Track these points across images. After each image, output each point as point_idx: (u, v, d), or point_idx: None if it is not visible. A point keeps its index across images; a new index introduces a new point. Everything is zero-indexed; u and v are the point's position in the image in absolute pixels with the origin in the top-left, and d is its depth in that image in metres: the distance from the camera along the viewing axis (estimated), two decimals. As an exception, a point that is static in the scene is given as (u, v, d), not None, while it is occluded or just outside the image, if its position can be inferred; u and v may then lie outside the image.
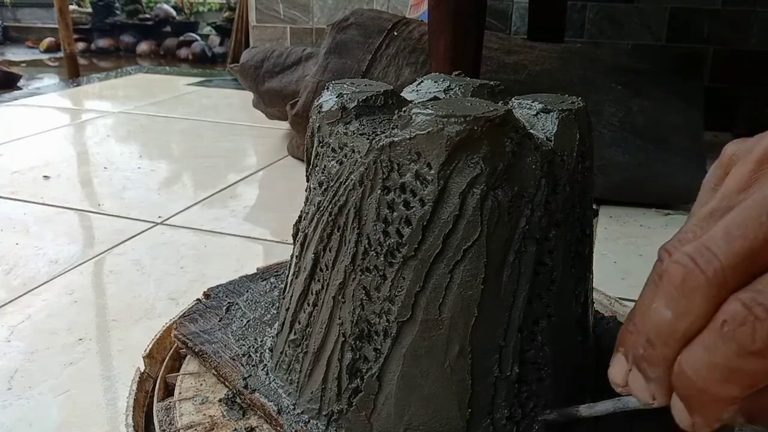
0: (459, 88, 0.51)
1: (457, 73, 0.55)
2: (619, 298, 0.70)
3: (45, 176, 1.38)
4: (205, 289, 0.63)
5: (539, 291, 0.42)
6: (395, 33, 1.41)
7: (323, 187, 0.45)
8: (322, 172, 0.46)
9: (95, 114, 2.03)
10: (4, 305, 0.86)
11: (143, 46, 5.08)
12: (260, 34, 2.40)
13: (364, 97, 0.47)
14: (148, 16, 5.35)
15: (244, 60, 1.63)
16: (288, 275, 0.52)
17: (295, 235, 0.51)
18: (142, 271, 0.96)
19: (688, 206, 1.24)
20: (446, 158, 0.39)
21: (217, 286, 0.64)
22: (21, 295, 0.89)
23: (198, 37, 5.07)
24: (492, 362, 0.41)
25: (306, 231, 0.48)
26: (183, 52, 4.87)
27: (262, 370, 0.51)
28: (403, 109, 0.41)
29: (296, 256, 0.50)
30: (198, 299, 0.62)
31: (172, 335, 0.58)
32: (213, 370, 0.52)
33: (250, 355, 0.52)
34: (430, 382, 0.41)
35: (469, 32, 1.06)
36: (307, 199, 0.50)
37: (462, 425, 0.42)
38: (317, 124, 0.48)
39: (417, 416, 0.42)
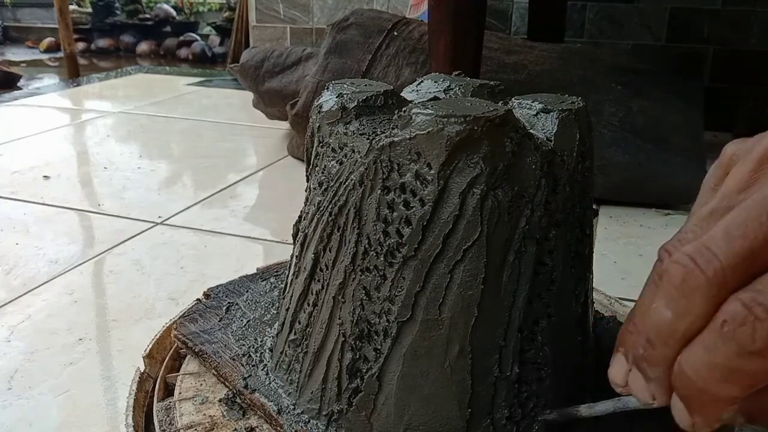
0: (459, 88, 0.51)
1: (457, 73, 0.55)
2: (619, 298, 0.70)
3: (45, 176, 1.38)
4: (205, 289, 0.63)
5: (539, 291, 0.42)
6: (395, 33, 1.41)
7: (323, 187, 0.45)
8: (322, 172, 0.46)
9: (95, 114, 2.03)
10: (4, 305, 0.86)
11: (143, 46, 5.08)
12: (260, 34, 2.40)
13: (364, 97, 0.47)
14: (148, 16, 5.35)
15: (244, 60, 1.63)
16: (288, 275, 0.52)
17: (295, 235, 0.51)
18: (142, 271, 0.96)
19: (688, 206, 1.24)
20: (446, 158, 0.39)
21: (217, 286, 0.64)
22: (21, 295, 0.89)
23: (198, 37, 5.07)
24: (492, 362, 0.41)
25: (306, 231, 0.48)
26: (183, 52, 4.87)
27: (262, 370, 0.51)
28: (403, 109, 0.41)
29: (296, 256, 0.50)
30: (198, 299, 0.62)
31: (172, 335, 0.58)
32: (213, 370, 0.52)
33: (250, 355, 0.52)
34: (430, 382, 0.41)
35: (469, 32, 1.06)
36: (307, 199, 0.50)
37: (462, 425, 0.42)
38: (317, 124, 0.48)
39: (417, 416, 0.42)
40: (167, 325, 0.61)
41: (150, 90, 2.43)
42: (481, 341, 0.41)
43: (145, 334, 0.72)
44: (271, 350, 0.53)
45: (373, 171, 0.41)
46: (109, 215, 1.18)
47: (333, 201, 0.44)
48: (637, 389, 0.31)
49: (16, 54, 4.95)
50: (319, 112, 0.48)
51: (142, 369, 0.57)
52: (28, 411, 0.66)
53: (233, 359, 0.52)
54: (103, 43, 5.16)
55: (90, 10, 5.41)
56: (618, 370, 0.32)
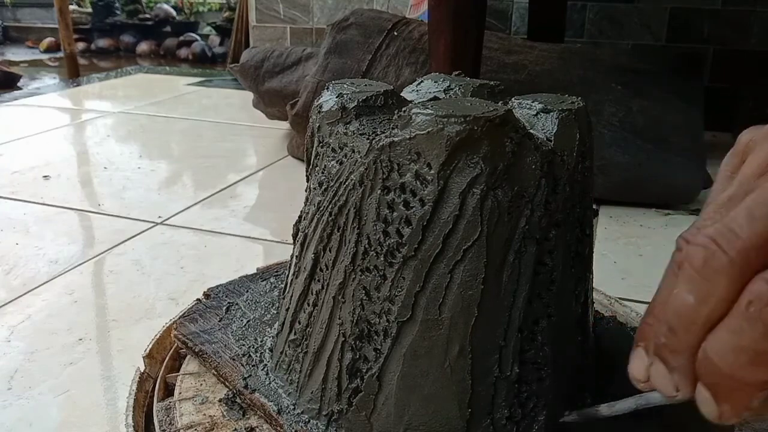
0: (459, 88, 0.51)
1: (457, 73, 0.55)
2: (619, 298, 0.70)
3: (45, 176, 1.38)
4: (205, 289, 0.63)
5: (539, 291, 0.42)
6: (395, 33, 1.41)
7: (323, 187, 0.45)
8: (322, 172, 0.46)
9: (95, 114, 2.03)
10: (4, 305, 0.86)
11: (143, 46, 5.08)
12: (260, 34, 2.40)
13: (364, 97, 0.47)
14: (148, 16, 5.35)
15: (244, 60, 1.63)
16: (288, 275, 0.52)
17: (295, 235, 0.51)
18: (142, 271, 0.96)
19: (688, 206, 1.24)
20: (446, 158, 0.39)
21: (217, 286, 0.64)
22: (21, 295, 0.89)
23: (198, 37, 5.07)
24: (492, 362, 0.41)
25: (306, 231, 0.48)
26: (183, 52, 4.87)
27: (262, 370, 0.51)
28: (403, 109, 0.41)
29: (296, 256, 0.50)
30: (198, 299, 0.62)
31: (172, 335, 0.58)
32: (213, 370, 0.52)
33: (250, 355, 0.53)
34: (430, 382, 0.41)
35: (469, 32, 1.06)
36: (307, 199, 0.50)
37: (462, 425, 0.42)
38: (317, 124, 0.48)
39: (417, 416, 0.42)
40: (167, 325, 0.61)
41: (150, 90, 2.43)
42: (481, 341, 0.41)
43: (145, 334, 0.72)
44: (271, 350, 0.53)
45: (373, 171, 0.41)
46: (109, 215, 1.18)
47: (333, 201, 0.44)
48: (659, 382, 0.29)
49: (16, 54, 4.95)
50: (319, 112, 0.48)
51: (142, 369, 0.57)
52: (28, 411, 0.66)
53: (233, 359, 0.52)
54: (103, 43, 5.16)
55: (90, 10, 5.41)
56: (638, 364, 0.30)
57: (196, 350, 0.54)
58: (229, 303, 0.61)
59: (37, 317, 0.83)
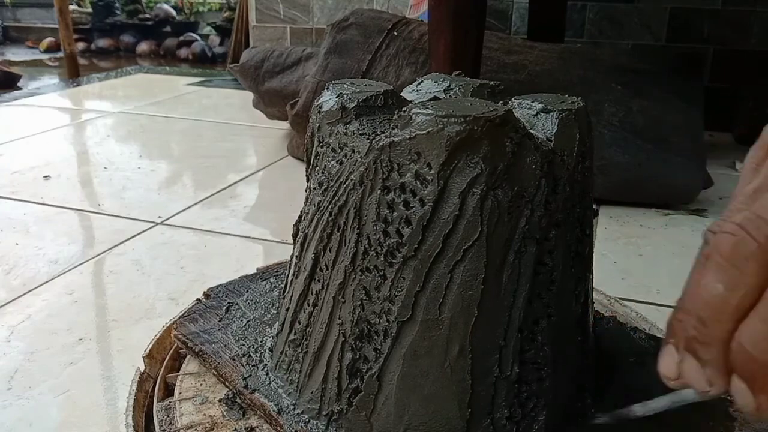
0: (459, 88, 0.51)
1: (457, 73, 0.55)
2: (619, 298, 0.70)
3: (45, 176, 1.38)
4: (205, 289, 0.63)
5: (539, 291, 0.42)
6: (395, 33, 1.41)
7: (323, 187, 0.45)
8: (322, 172, 0.46)
9: (95, 114, 2.03)
10: (4, 305, 0.86)
11: (143, 46, 5.08)
12: (260, 34, 2.40)
13: (364, 97, 0.47)
14: (148, 16, 5.35)
15: (244, 60, 1.63)
16: (288, 275, 0.52)
17: (295, 235, 0.51)
18: (142, 271, 0.96)
19: (688, 206, 1.24)
20: (446, 158, 0.39)
21: (217, 286, 0.64)
22: (21, 295, 0.89)
23: (198, 37, 5.07)
24: (492, 362, 0.41)
25: (306, 231, 0.48)
26: (183, 52, 4.87)
27: (262, 370, 0.51)
28: (403, 109, 0.41)
29: (296, 256, 0.50)
30: (198, 299, 0.62)
31: (172, 335, 0.58)
32: (213, 370, 0.52)
33: (250, 355, 0.53)
34: (430, 382, 0.41)
35: (469, 32, 1.06)
36: (307, 199, 0.50)
37: (462, 425, 0.42)
38: (317, 124, 0.48)
39: (417, 416, 0.42)
40: (167, 325, 0.61)
41: (150, 90, 2.43)
42: (481, 341, 0.41)
43: (145, 334, 0.72)
44: (271, 350, 0.53)
45: (373, 171, 0.41)
46: (109, 215, 1.18)
47: (333, 201, 0.44)
48: (692, 377, 0.29)
49: (16, 54, 4.95)
50: (319, 112, 0.48)
51: (142, 369, 0.57)
52: (28, 411, 0.66)
53: (233, 359, 0.52)
54: (103, 43, 5.16)
55: (90, 10, 5.41)
56: (668, 361, 0.30)
57: (196, 350, 0.54)
58: (229, 303, 0.61)
59: (37, 317, 0.83)
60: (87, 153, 1.60)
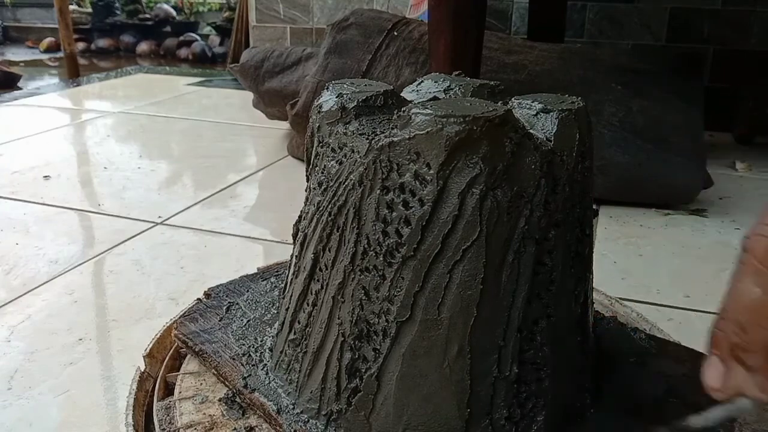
0: (459, 88, 0.51)
1: (457, 73, 0.55)
2: (619, 298, 0.70)
3: (45, 176, 1.38)
4: (206, 289, 0.63)
5: (538, 291, 0.42)
6: (395, 33, 1.41)
7: (323, 187, 0.46)
8: (322, 172, 0.46)
9: (95, 114, 2.03)
10: (4, 305, 0.86)
11: (143, 46, 5.08)
12: (260, 34, 2.40)
13: (364, 97, 0.47)
14: (148, 16, 5.35)
15: (244, 60, 1.63)
16: (288, 275, 0.52)
17: (295, 235, 0.51)
18: (142, 271, 0.96)
19: (688, 206, 1.24)
20: (445, 158, 0.39)
21: (218, 286, 0.64)
22: (21, 295, 0.89)
23: (198, 37, 5.06)
24: (491, 362, 0.41)
25: (306, 231, 0.48)
26: (183, 52, 4.87)
27: (261, 369, 0.51)
28: (403, 109, 0.41)
29: (296, 256, 0.50)
30: (198, 299, 0.62)
31: (172, 334, 0.58)
32: (213, 370, 0.52)
33: (250, 355, 0.53)
34: (429, 382, 0.41)
35: (469, 32, 1.06)
36: (306, 199, 0.50)
37: (461, 425, 0.42)
38: (317, 124, 0.48)
39: (416, 416, 0.42)
40: (168, 324, 0.61)
41: (150, 90, 2.43)
42: (480, 341, 0.41)
43: (145, 334, 0.72)
44: (271, 350, 0.53)
45: (372, 171, 0.41)
46: (109, 215, 1.18)
47: (332, 201, 0.44)
48: (742, 386, 0.28)
49: (16, 54, 4.95)
50: (319, 112, 0.48)
51: (143, 368, 0.57)
52: (28, 411, 0.66)
53: (233, 359, 0.52)
54: (103, 43, 5.16)
55: (90, 10, 5.40)
56: (713, 372, 0.29)
57: (196, 350, 0.54)
58: (229, 302, 0.61)
59: (37, 317, 0.83)
60: (87, 153, 1.60)
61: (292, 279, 0.50)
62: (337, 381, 0.44)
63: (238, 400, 0.49)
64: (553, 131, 0.43)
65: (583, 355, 0.48)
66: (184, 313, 0.60)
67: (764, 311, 0.25)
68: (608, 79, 1.34)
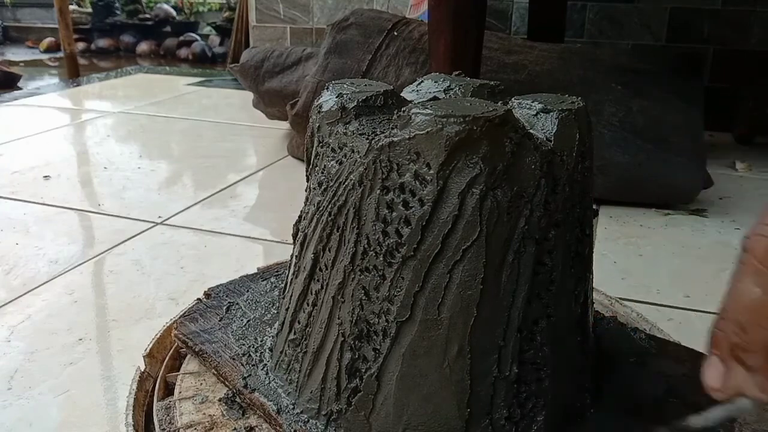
0: (459, 88, 0.51)
1: (457, 73, 0.55)
2: (619, 298, 0.70)
3: (45, 176, 1.38)
4: (206, 289, 0.63)
5: (538, 291, 0.42)
6: (395, 33, 1.41)
7: (323, 187, 0.46)
8: (322, 172, 0.46)
9: (95, 114, 2.03)
10: (4, 305, 0.86)
11: (143, 46, 5.08)
12: (260, 34, 2.40)
13: (364, 97, 0.47)
14: (148, 16, 5.35)
15: (244, 60, 1.63)
16: (288, 275, 0.52)
17: (295, 235, 0.51)
18: (142, 271, 0.96)
19: (688, 206, 1.24)
20: (445, 158, 0.39)
21: (218, 286, 0.64)
22: (21, 295, 0.89)
23: (198, 37, 5.06)
24: (491, 362, 0.41)
25: (306, 231, 0.48)
26: (183, 52, 4.87)
27: (261, 369, 0.51)
28: (403, 109, 0.41)
29: (296, 256, 0.50)
30: (198, 299, 0.62)
31: (172, 334, 0.58)
32: (213, 370, 0.52)
33: (250, 355, 0.53)
34: (429, 382, 0.41)
35: (469, 32, 1.06)
36: (307, 198, 0.50)
37: (461, 425, 0.42)
38: (317, 124, 0.48)
39: (416, 416, 0.42)
40: (168, 324, 0.61)
41: (150, 90, 2.43)
42: (480, 341, 0.41)
43: (145, 334, 0.72)
44: (271, 350, 0.53)
45: (372, 171, 0.41)
46: (109, 215, 1.18)
47: (332, 201, 0.44)
48: (743, 386, 0.28)
49: (16, 54, 4.95)
50: (319, 112, 0.48)
51: (143, 368, 0.57)
52: (28, 411, 0.66)
53: (233, 359, 0.52)
54: (103, 43, 5.15)
55: (90, 10, 5.40)
56: (713, 372, 0.29)
57: (196, 350, 0.54)
58: (229, 302, 0.61)
59: (37, 317, 0.83)
60: (87, 153, 1.60)
61: (292, 279, 0.50)
62: (337, 381, 0.44)
63: (238, 400, 0.49)
64: (553, 131, 0.43)
65: (583, 355, 0.48)
66: (184, 313, 0.60)
67: (764, 311, 0.25)
68: (608, 79, 1.34)
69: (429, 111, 0.39)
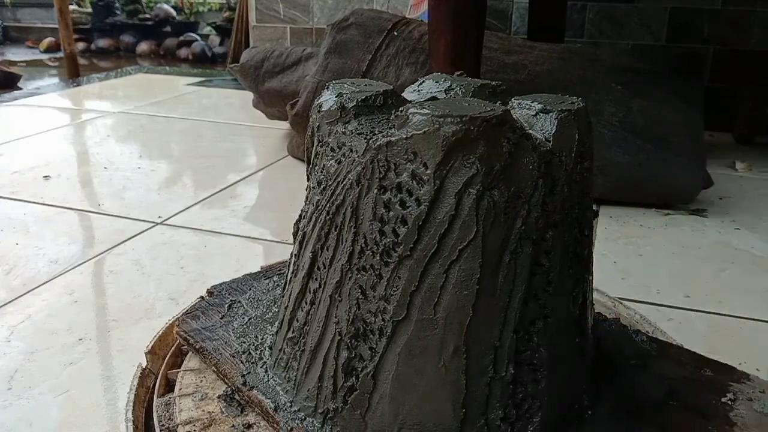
0: (460, 88, 0.51)
1: (459, 73, 0.55)
2: (619, 298, 0.70)
3: (45, 176, 1.38)
4: (208, 288, 0.64)
5: (536, 292, 0.42)
6: (395, 33, 1.41)
7: (322, 186, 0.46)
8: (321, 172, 0.46)
9: (95, 114, 2.03)
10: (4, 305, 0.86)
11: (143, 46, 5.08)
12: (260, 34, 2.41)
13: (363, 97, 0.47)
14: (148, 16, 5.35)
15: (244, 60, 1.63)
16: (288, 273, 0.52)
17: (295, 234, 0.51)
18: (142, 271, 0.97)
19: (688, 206, 1.24)
20: (442, 158, 0.39)
21: (221, 284, 0.65)
22: (21, 295, 0.89)
23: (198, 37, 5.06)
24: (487, 362, 0.41)
25: (305, 230, 0.48)
26: (183, 52, 4.87)
27: (261, 367, 0.51)
28: (400, 109, 0.41)
29: (295, 255, 0.50)
30: (201, 296, 0.63)
31: (174, 332, 0.58)
32: (213, 367, 0.52)
33: (250, 353, 0.53)
34: (425, 382, 0.41)
35: (469, 32, 1.06)
36: (307, 197, 0.50)
37: (456, 425, 0.42)
38: (317, 124, 0.48)
39: (411, 415, 0.42)
40: (171, 321, 0.61)
41: (150, 90, 2.43)
42: (475, 341, 0.41)
43: (145, 334, 0.72)
44: (271, 348, 0.53)
45: (369, 170, 0.41)
46: (109, 215, 1.18)
47: (331, 200, 0.44)
48: None
49: (16, 54, 4.95)
50: (318, 111, 0.48)
51: (144, 365, 0.57)
52: (28, 411, 0.66)
53: (233, 356, 0.52)
54: (103, 43, 5.16)
55: (90, 10, 5.40)
56: None
57: (197, 347, 0.54)
58: (231, 300, 0.61)
59: (37, 317, 0.83)
60: (87, 153, 1.61)
61: (291, 278, 0.50)
62: (334, 379, 0.44)
63: (236, 397, 0.49)
64: (552, 132, 0.43)
65: (582, 357, 0.48)
66: (187, 310, 0.60)
67: None
68: (608, 79, 1.34)
69: (426, 111, 0.39)
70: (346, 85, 0.49)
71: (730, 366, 0.54)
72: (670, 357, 0.54)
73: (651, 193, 1.25)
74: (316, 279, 0.46)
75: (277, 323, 0.53)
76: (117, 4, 5.43)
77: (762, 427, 0.46)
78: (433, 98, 0.50)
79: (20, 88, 2.93)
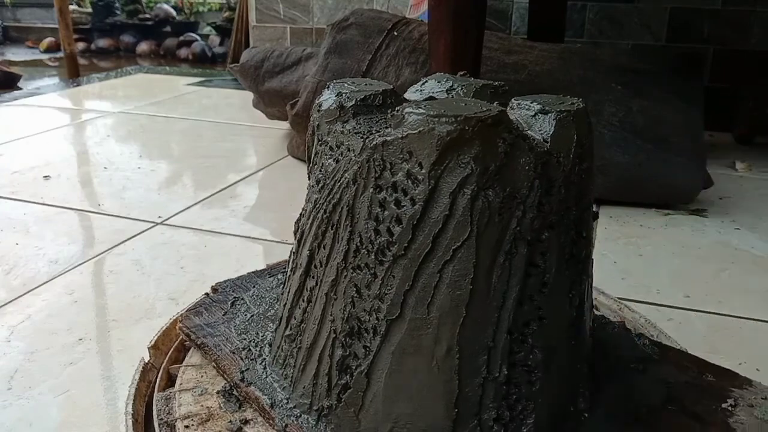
0: (461, 89, 0.51)
1: (462, 73, 0.55)
2: (619, 298, 0.70)
3: (45, 176, 1.38)
4: (211, 285, 0.64)
5: (531, 293, 0.42)
6: (395, 33, 1.41)
7: (320, 185, 0.46)
8: (320, 170, 0.46)
9: (95, 114, 2.03)
10: (4, 305, 0.86)
11: (143, 46, 5.08)
12: (260, 34, 2.41)
13: (362, 96, 0.47)
14: (148, 16, 5.35)
15: (244, 60, 1.63)
16: (287, 271, 0.52)
17: (296, 233, 0.51)
18: (142, 271, 0.97)
19: (688, 206, 1.24)
20: (437, 158, 0.39)
21: (225, 281, 0.65)
22: (21, 295, 0.89)
23: (198, 37, 5.07)
24: (480, 363, 0.41)
25: (303, 228, 0.48)
26: (183, 52, 4.87)
27: (260, 364, 0.51)
28: (397, 109, 0.41)
29: (294, 253, 0.50)
30: (206, 293, 0.63)
31: (177, 327, 0.59)
32: (213, 363, 0.53)
33: (249, 349, 0.53)
34: (418, 381, 0.41)
35: (469, 32, 1.06)
36: (307, 196, 0.50)
37: (449, 425, 0.42)
38: (317, 123, 0.48)
39: (404, 414, 0.42)
40: (175, 317, 0.62)
41: (150, 90, 2.43)
42: (469, 342, 0.41)
43: (145, 334, 0.72)
44: (270, 345, 0.53)
45: (365, 169, 0.41)
46: (109, 215, 1.18)
47: (328, 198, 0.44)
48: None
49: (16, 54, 4.95)
50: (318, 110, 0.48)
51: (146, 359, 0.57)
52: (28, 411, 0.66)
53: (233, 352, 0.53)
54: (103, 43, 5.16)
55: (90, 10, 5.40)
56: None
57: (198, 342, 0.54)
58: (235, 297, 0.61)
59: (37, 317, 0.83)
60: (87, 153, 1.61)
61: (290, 275, 0.50)
62: (329, 377, 0.44)
63: (235, 393, 0.49)
64: (550, 132, 0.43)
65: (579, 359, 0.48)
66: (190, 306, 0.60)
67: None
68: (608, 79, 1.34)
69: (421, 111, 0.39)
70: (346, 85, 0.49)
71: (732, 372, 0.54)
72: (671, 361, 0.54)
73: (651, 193, 1.25)
74: (312, 277, 0.46)
75: (276, 320, 0.54)
76: (117, 4, 5.43)
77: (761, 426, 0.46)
78: (431, 98, 0.50)
79: (20, 88, 2.94)
